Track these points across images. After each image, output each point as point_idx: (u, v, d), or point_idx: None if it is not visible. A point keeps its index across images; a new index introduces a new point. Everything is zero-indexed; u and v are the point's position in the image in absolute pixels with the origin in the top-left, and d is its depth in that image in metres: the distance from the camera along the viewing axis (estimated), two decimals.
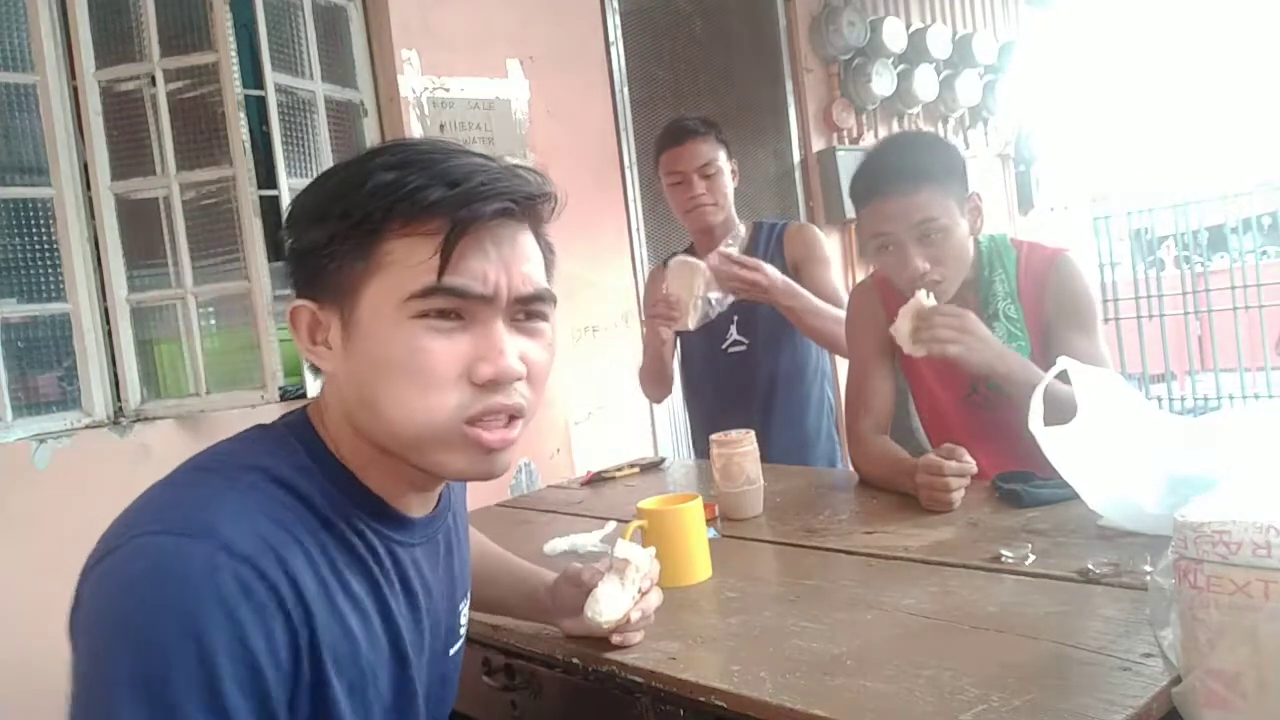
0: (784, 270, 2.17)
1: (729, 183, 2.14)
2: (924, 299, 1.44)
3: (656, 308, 1.94)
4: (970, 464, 1.38)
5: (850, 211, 3.84)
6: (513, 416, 0.76)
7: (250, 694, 0.64)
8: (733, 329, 2.16)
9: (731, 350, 2.17)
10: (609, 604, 1.00)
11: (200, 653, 0.62)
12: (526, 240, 0.78)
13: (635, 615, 1.02)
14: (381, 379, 0.73)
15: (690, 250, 2.29)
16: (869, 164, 1.57)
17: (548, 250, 0.82)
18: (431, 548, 0.87)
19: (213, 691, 0.63)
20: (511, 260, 0.75)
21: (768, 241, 2.20)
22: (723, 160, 2.12)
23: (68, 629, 0.67)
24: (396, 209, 0.72)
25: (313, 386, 2.39)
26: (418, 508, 0.84)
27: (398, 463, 0.77)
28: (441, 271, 0.71)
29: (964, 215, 1.53)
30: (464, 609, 0.95)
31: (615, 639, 1.03)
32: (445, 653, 0.91)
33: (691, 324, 1.93)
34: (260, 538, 0.68)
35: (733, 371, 2.17)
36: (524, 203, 0.75)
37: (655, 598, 1.05)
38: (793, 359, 2.16)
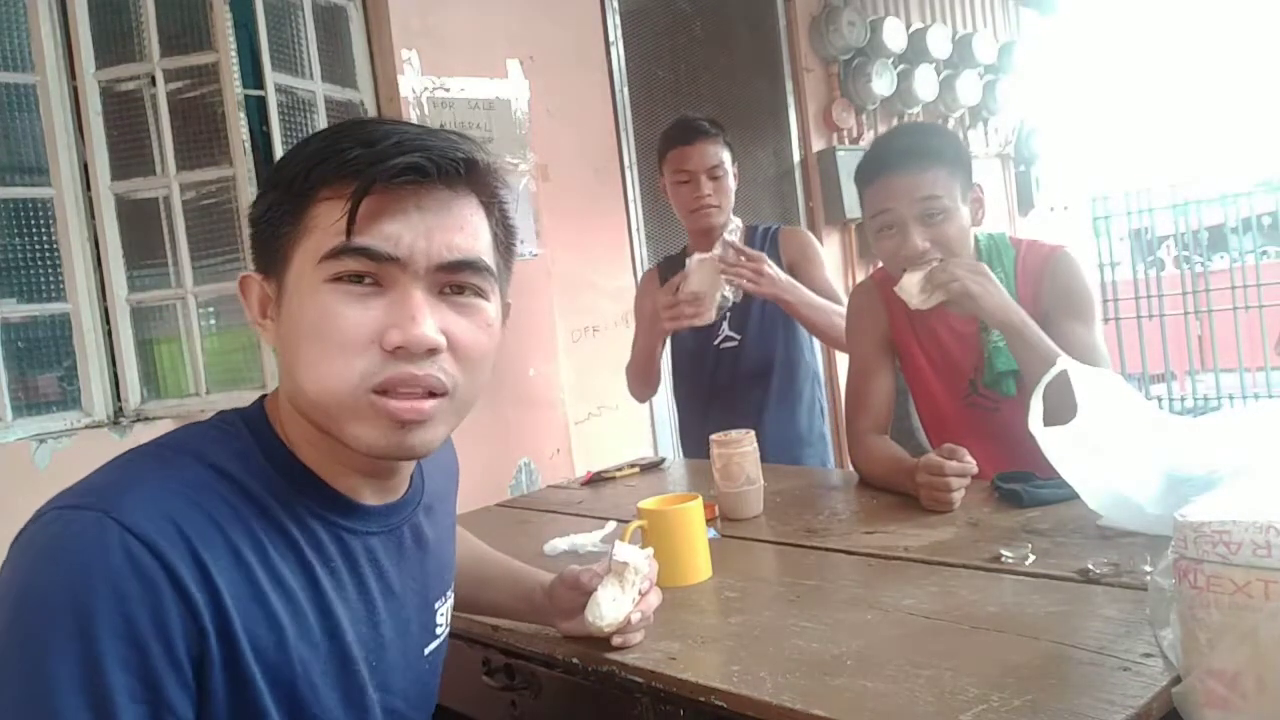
0: (778, 265, 2.19)
1: (732, 186, 2.15)
2: (929, 262, 1.45)
3: (680, 307, 1.93)
4: (971, 464, 1.38)
5: (850, 212, 3.82)
6: (431, 392, 0.73)
7: (131, 670, 0.63)
8: (724, 324, 2.17)
9: (723, 346, 2.18)
10: (610, 608, 1.00)
11: (80, 623, 0.62)
12: (463, 209, 0.75)
13: (635, 617, 1.02)
14: (301, 345, 0.72)
15: (685, 252, 2.30)
16: (876, 146, 1.59)
17: (500, 227, 0.80)
18: (393, 539, 0.84)
19: (90, 662, 0.61)
20: (436, 226, 0.73)
21: (761, 244, 2.21)
22: (728, 163, 2.13)
23: None
24: (318, 170, 0.72)
25: None
26: (371, 494, 0.81)
27: (333, 442, 0.75)
28: (349, 231, 0.70)
29: (966, 204, 1.53)
30: (440, 607, 0.92)
31: (616, 640, 1.03)
32: (419, 651, 0.88)
33: (712, 317, 1.95)
34: (167, 518, 0.67)
35: (724, 367, 2.18)
36: (440, 161, 0.72)
37: (655, 598, 1.05)
38: (785, 356, 2.17)
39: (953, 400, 1.62)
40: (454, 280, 0.75)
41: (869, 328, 1.70)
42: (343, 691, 0.77)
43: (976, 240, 1.59)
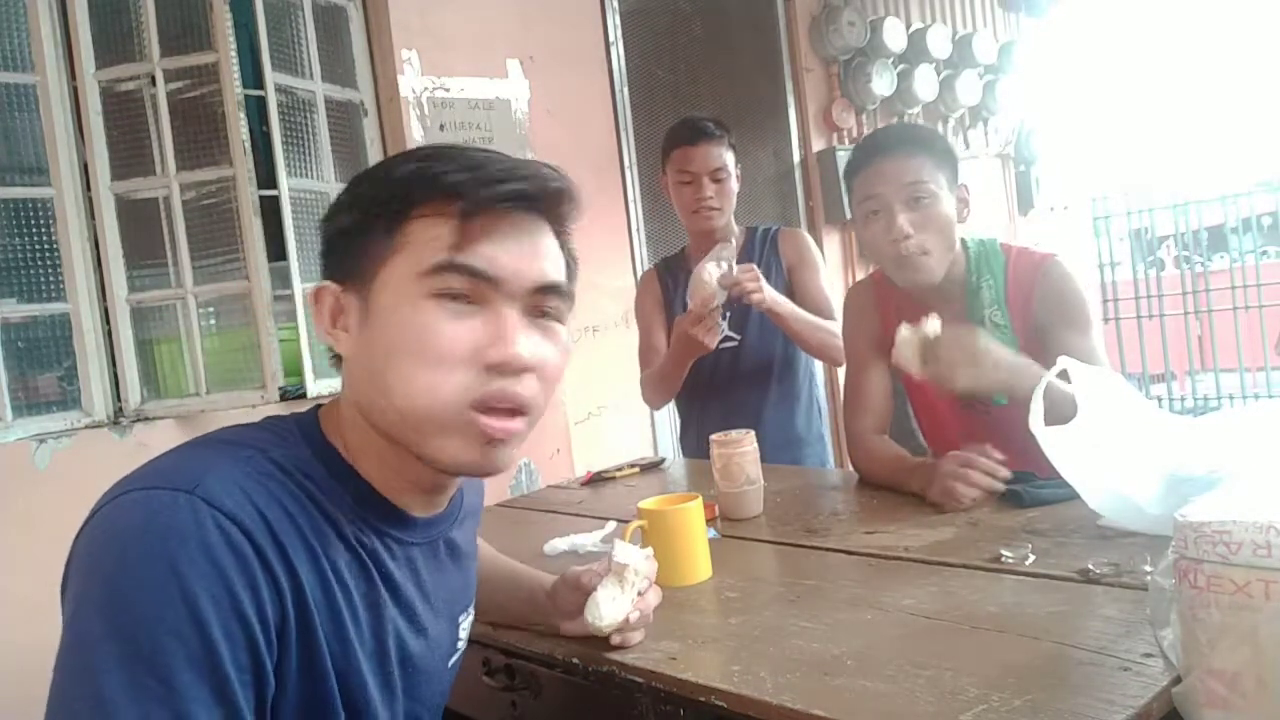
0: (780, 271, 2.19)
1: (735, 188, 2.15)
2: (926, 327, 1.40)
3: (709, 320, 1.91)
4: (1004, 471, 1.37)
5: (850, 212, 3.81)
6: (518, 411, 0.76)
7: (236, 641, 0.64)
8: (724, 325, 2.16)
9: (723, 346, 2.16)
10: (609, 607, 1.00)
11: (185, 596, 0.62)
12: (546, 238, 0.79)
13: (634, 617, 1.02)
14: (392, 357, 0.74)
15: (684, 252, 2.29)
16: (863, 140, 1.63)
17: (570, 257, 0.83)
18: (431, 550, 0.86)
19: (206, 651, 0.62)
20: (530, 251, 0.77)
21: (762, 244, 2.21)
22: (732, 165, 2.13)
23: (60, 589, 0.68)
24: (418, 191, 0.74)
25: (313, 386, 2.40)
26: (420, 508, 0.83)
27: (403, 456, 0.77)
28: (455, 249, 0.73)
29: (953, 195, 1.54)
30: (464, 621, 0.95)
31: (615, 639, 1.03)
32: (444, 663, 0.91)
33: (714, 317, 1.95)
34: (248, 499, 0.68)
35: (723, 367, 2.17)
36: (539, 190, 0.76)
37: (654, 597, 1.05)
38: (784, 356, 2.17)
39: (948, 403, 1.61)
40: (541, 304, 0.78)
41: (865, 327, 1.70)
42: (382, 694, 0.79)
43: (966, 246, 1.59)
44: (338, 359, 0.81)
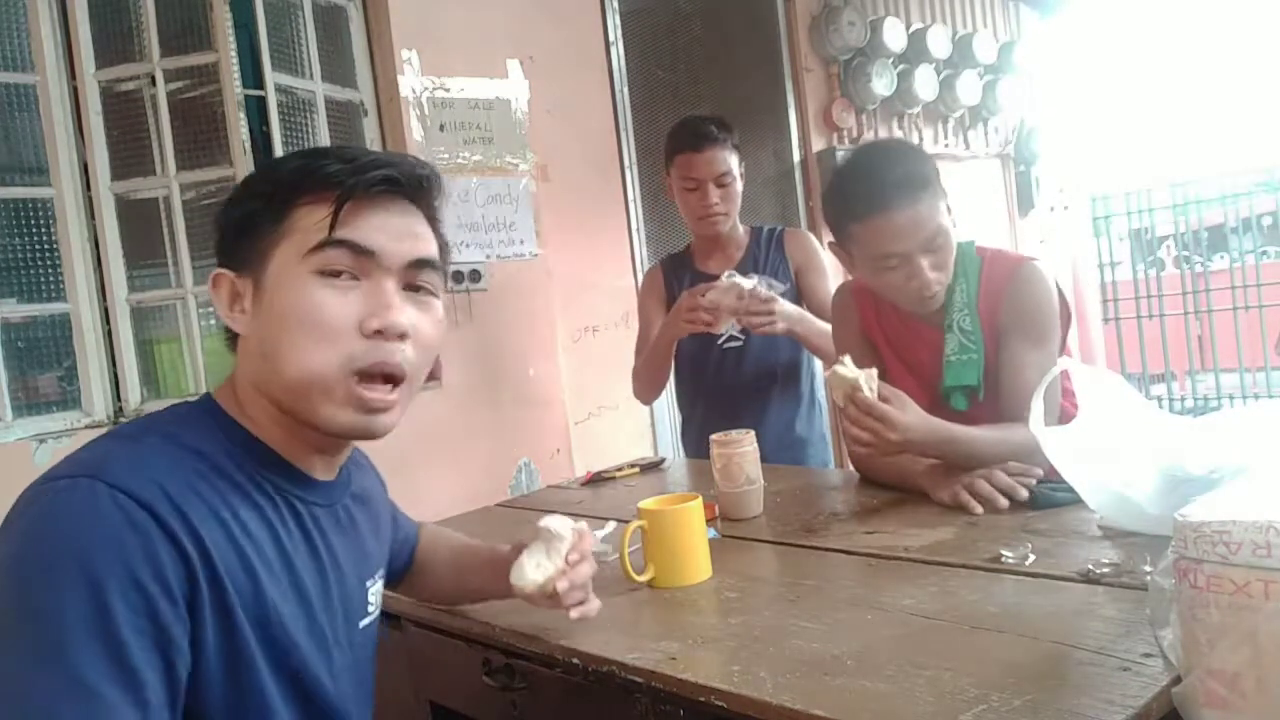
0: (787, 272, 2.19)
1: (739, 190, 2.14)
2: (862, 382, 1.36)
3: (699, 312, 1.91)
4: (1021, 492, 1.36)
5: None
6: (395, 379, 0.84)
7: (135, 609, 0.69)
8: (731, 327, 2.16)
9: (727, 346, 2.17)
10: (532, 570, 1.04)
11: (85, 572, 0.68)
12: (416, 218, 0.89)
13: (563, 585, 1.04)
14: (283, 331, 0.82)
15: (688, 250, 2.29)
16: (861, 179, 1.49)
17: (442, 239, 0.93)
18: (333, 514, 0.93)
19: (99, 607, 0.67)
20: (402, 230, 0.86)
21: (767, 245, 2.20)
22: (736, 167, 2.11)
23: None
24: (301, 182, 0.84)
25: None
26: (321, 470, 0.91)
27: (295, 421, 0.85)
28: (332, 227, 0.82)
29: (951, 216, 1.53)
30: (371, 587, 1.00)
31: (573, 614, 1.06)
32: (356, 623, 0.96)
33: (721, 330, 1.96)
34: (149, 478, 0.74)
35: (727, 368, 2.16)
36: (406, 175, 0.86)
37: (586, 569, 1.08)
38: (788, 357, 2.17)
39: (929, 401, 1.60)
40: (416, 278, 0.87)
41: (851, 328, 1.70)
42: (313, 639, 0.86)
43: None
44: (233, 340, 0.89)
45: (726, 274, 1.92)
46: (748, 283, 1.89)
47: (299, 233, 0.83)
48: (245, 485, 0.82)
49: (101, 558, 0.68)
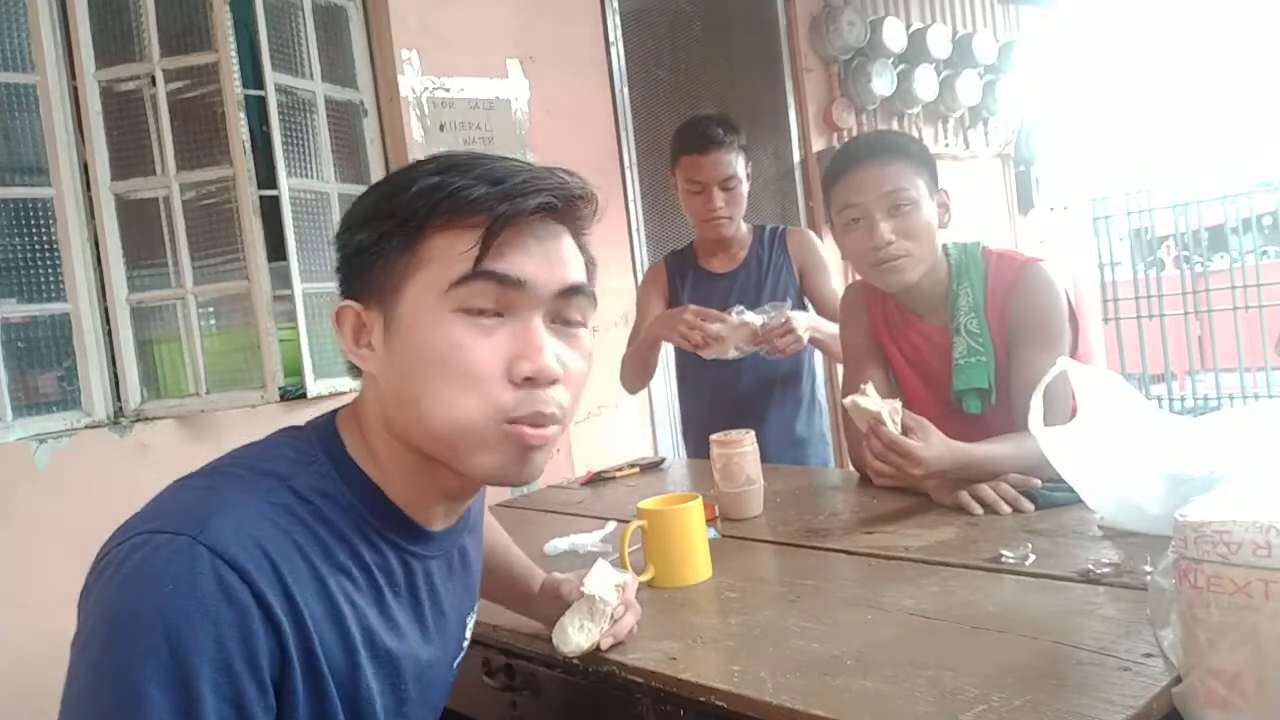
0: (790, 271, 2.18)
1: (745, 192, 2.12)
2: (885, 415, 1.35)
3: (695, 333, 1.89)
4: (1026, 504, 1.35)
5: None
6: (551, 420, 0.76)
7: (221, 694, 0.64)
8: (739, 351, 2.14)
9: None
10: (575, 635, 1.01)
11: (173, 647, 0.63)
12: (567, 242, 0.79)
13: (606, 643, 1.02)
14: (422, 376, 0.74)
15: (692, 247, 2.28)
16: (841, 149, 1.62)
17: (589, 258, 0.83)
18: (445, 560, 0.87)
19: (184, 687, 0.63)
20: (554, 256, 0.76)
21: (770, 244, 2.20)
22: (742, 170, 2.10)
23: (77, 613, 0.69)
24: (440, 206, 0.73)
25: (313, 386, 2.40)
26: (441, 520, 0.84)
27: (434, 468, 0.77)
28: (480, 259, 0.72)
29: (933, 201, 1.53)
30: (470, 621, 0.96)
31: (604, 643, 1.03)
32: (450, 664, 0.92)
33: (715, 355, 1.93)
34: (254, 541, 0.68)
35: (728, 367, 2.14)
36: (565, 199, 0.76)
37: (630, 619, 1.05)
38: (792, 358, 2.16)
39: (937, 405, 1.60)
40: (567, 307, 0.78)
41: (859, 327, 1.70)
42: (392, 703, 0.80)
43: (947, 251, 1.58)
44: (356, 370, 0.81)
45: (735, 310, 1.89)
46: (757, 319, 1.88)
47: (437, 263, 0.73)
48: (359, 545, 0.76)
49: (195, 637, 0.63)
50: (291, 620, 0.69)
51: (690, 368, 2.27)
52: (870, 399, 1.36)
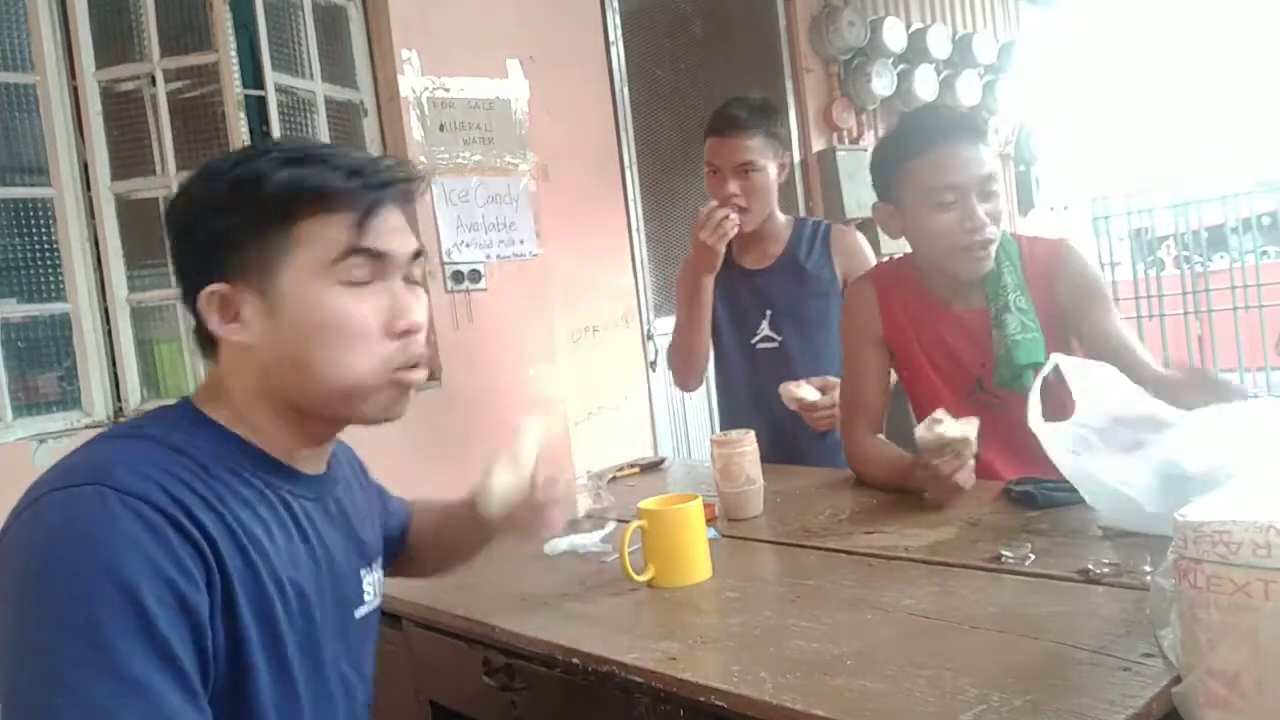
0: (831, 273, 2.08)
1: (770, 183, 2.02)
2: (974, 437, 1.33)
3: (718, 226, 1.83)
4: (962, 437, 1.33)
5: (851, 212, 3.72)
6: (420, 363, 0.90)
7: (166, 603, 0.72)
8: (764, 324, 2.08)
9: (761, 346, 2.09)
10: (501, 491, 1.03)
11: (114, 577, 0.70)
12: (406, 212, 0.93)
13: (541, 497, 1.05)
14: (313, 341, 0.84)
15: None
16: (922, 117, 1.58)
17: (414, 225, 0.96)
18: (323, 506, 0.95)
19: (143, 620, 0.70)
20: (402, 229, 0.91)
21: (811, 241, 2.09)
22: (766, 158, 2.00)
23: None
24: (308, 196, 0.84)
25: None
26: (309, 465, 0.93)
27: (302, 419, 0.88)
28: (356, 238, 0.85)
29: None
30: (367, 576, 1.01)
31: (547, 523, 1.07)
32: (350, 613, 0.96)
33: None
34: (150, 479, 0.76)
35: (762, 368, 2.07)
36: (415, 184, 0.91)
37: (556, 515, 1.08)
38: (828, 363, 2.03)
39: (956, 398, 1.60)
40: (412, 270, 0.92)
41: (864, 325, 1.69)
42: (303, 637, 0.86)
43: None
44: (211, 348, 0.89)
45: (794, 385, 1.85)
46: (811, 395, 1.83)
47: (314, 244, 0.84)
48: (234, 483, 0.84)
49: (128, 562, 0.71)
50: (200, 536, 0.76)
51: (727, 362, 2.18)
52: (948, 424, 1.33)
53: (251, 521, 0.83)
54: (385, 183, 0.87)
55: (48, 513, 0.73)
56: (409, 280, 0.91)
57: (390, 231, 0.88)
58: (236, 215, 0.84)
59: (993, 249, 1.52)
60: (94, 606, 0.69)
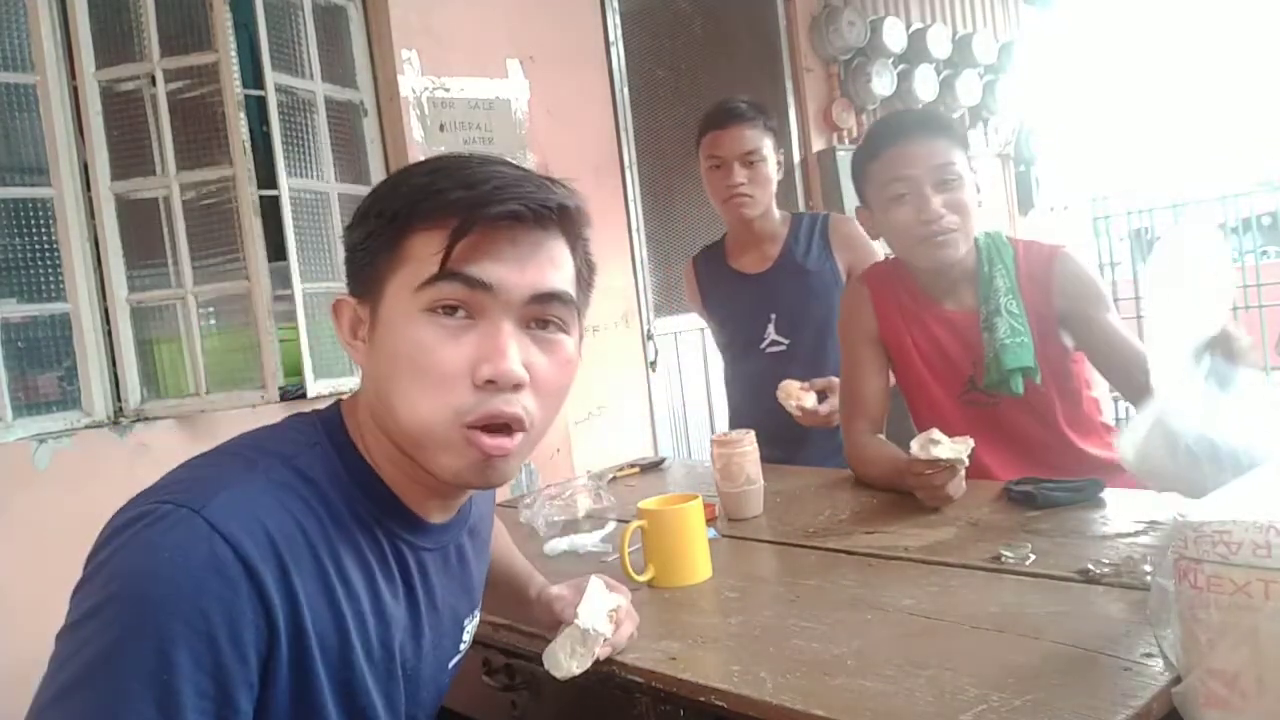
0: (830, 262, 2.07)
1: (772, 173, 2.04)
2: (965, 457, 1.33)
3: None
4: (956, 451, 1.34)
5: (851, 211, 3.76)
6: (513, 428, 0.76)
7: (200, 665, 0.65)
8: (770, 328, 2.09)
9: (768, 350, 2.10)
10: (566, 661, 0.99)
11: (155, 614, 0.64)
12: (555, 248, 0.79)
13: (604, 654, 1.00)
14: (394, 373, 0.75)
15: (723, 241, 2.20)
16: (880, 123, 1.61)
17: (584, 265, 0.83)
18: (441, 555, 0.88)
19: (161, 654, 0.63)
20: (529, 261, 0.76)
21: (809, 236, 2.10)
22: (768, 148, 2.01)
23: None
24: (419, 207, 0.75)
25: (313, 386, 2.40)
26: (437, 513, 0.85)
27: (414, 463, 0.78)
28: (446, 260, 0.73)
29: (973, 179, 1.54)
30: (468, 624, 0.96)
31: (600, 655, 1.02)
32: (444, 665, 0.92)
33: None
34: (255, 518, 0.69)
35: (769, 371, 2.06)
36: (535, 209, 0.75)
37: (628, 629, 1.04)
38: (835, 362, 2.06)
39: (949, 398, 1.61)
40: (541, 313, 0.78)
41: (860, 327, 1.69)
42: (385, 695, 0.81)
43: (975, 239, 1.59)
44: None
45: (784, 387, 1.84)
46: (823, 409, 1.83)
47: (414, 262, 0.75)
48: (354, 529, 0.77)
49: (179, 605, 0.64)
50: (284, 597, 0.69)
51: (735, 365, 2.21)
52: (943, 445, 1.34)
53: (359, 578, 0.77)
54: (495, 199, 0.73)
55: (133, 523, 0.68)
56: (535, 326, 0.78)
57: (500, 259, 0.74)
58: (366, 225, 0.78)
59: (956, 237, 1.51)
60: (121, 634, 0.64)
